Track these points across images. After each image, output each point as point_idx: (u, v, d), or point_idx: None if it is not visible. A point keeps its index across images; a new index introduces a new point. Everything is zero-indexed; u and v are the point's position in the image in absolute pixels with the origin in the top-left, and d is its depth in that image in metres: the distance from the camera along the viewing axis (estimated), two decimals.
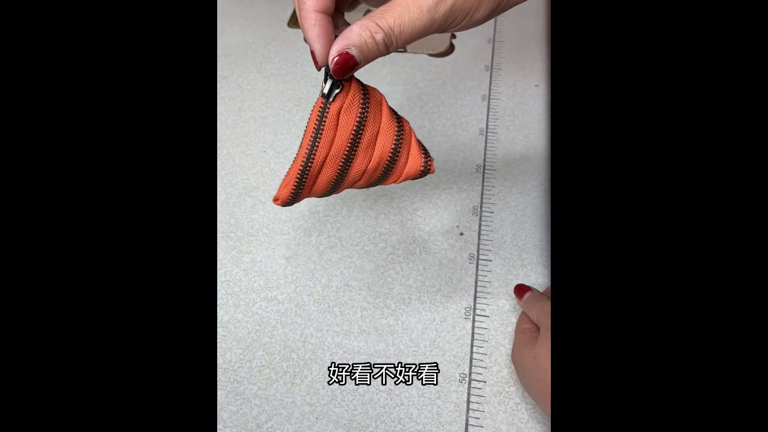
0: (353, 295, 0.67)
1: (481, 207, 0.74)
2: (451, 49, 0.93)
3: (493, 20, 0.99)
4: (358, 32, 0.40)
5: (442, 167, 0.78)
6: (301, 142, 0.44)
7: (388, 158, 0.45)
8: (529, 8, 1.01)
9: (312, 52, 0.42)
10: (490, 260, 0.68)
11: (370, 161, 0.46)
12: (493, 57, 0.93)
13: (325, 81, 0.43)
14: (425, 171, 0.47)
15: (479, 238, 0.71)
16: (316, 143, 0.44)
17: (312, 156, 0.44)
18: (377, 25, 0.40)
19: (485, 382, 0.59)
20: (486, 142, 0.81)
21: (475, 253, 0.69)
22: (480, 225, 0.72)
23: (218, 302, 0.67)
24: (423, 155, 0.47)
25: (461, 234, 0.71)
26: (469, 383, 0.59)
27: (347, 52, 0.41)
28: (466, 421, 0.57)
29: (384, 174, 0.47)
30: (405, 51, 0.93)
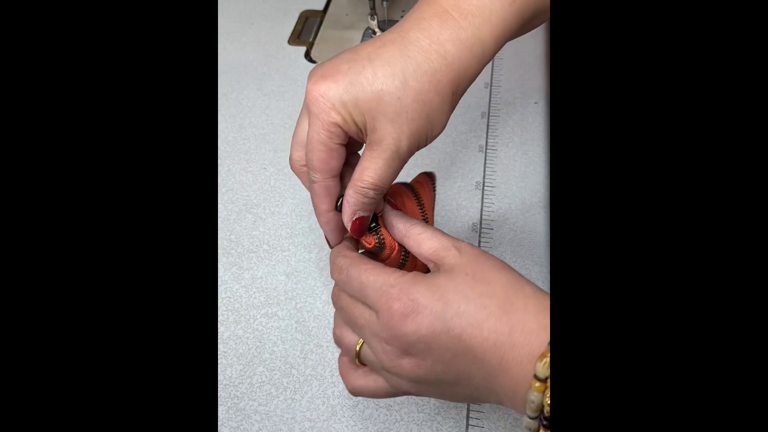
0: None
1: (480, 224, 0.74)
2: None
3: None
4: (353, 198, 0.46)
5: (441, 184, 0.78)
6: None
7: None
8: None
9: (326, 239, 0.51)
10: None
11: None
12: (492, 74, 0.93)
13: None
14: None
15: None
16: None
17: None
18: (363, 187, 0.45)
19: None
20: (485, 159, 0.82)
21: None
22: (479, 242, 0.72)
23: (219, 318, 0.67)
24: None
25: None
26: None
27: (357, 218, 0.47)
28: None
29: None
30: None
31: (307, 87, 0.45)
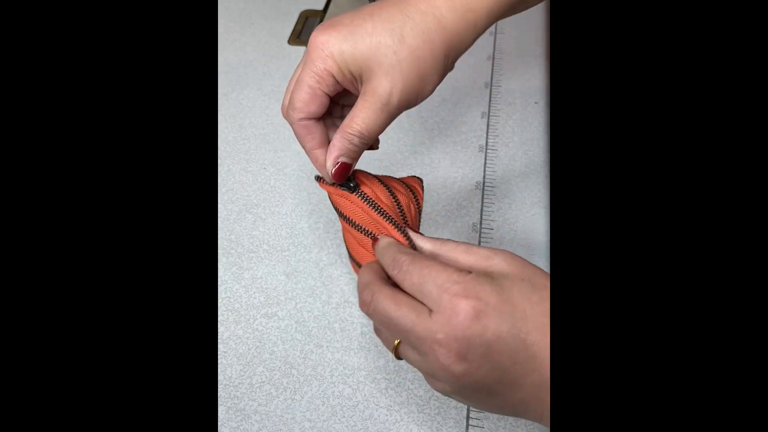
0: (353, 312, 0.67)
1: (480, 224, 0.74)
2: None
3: (492, 37, 1.00)
4: (340, 143, 0.49)
5: (441, 184, 0.78)
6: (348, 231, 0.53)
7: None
8: (528, 25, 1.01)
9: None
10: None
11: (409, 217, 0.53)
12: (492, 74, 0.93)
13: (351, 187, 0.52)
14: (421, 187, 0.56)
15: None
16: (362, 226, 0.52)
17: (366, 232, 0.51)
18: (350, 133, 0.48)
19: None
20: (485, 159, 0.82)
21: None
22: (480, 242, 0.72)
23: (219, 318, 0.67)
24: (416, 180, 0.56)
25: None
26: None
27: (341, 162, 0.50)
28: None
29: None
30: None
31: (310, 37, 0.47)
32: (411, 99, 0.48)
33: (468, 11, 0.47)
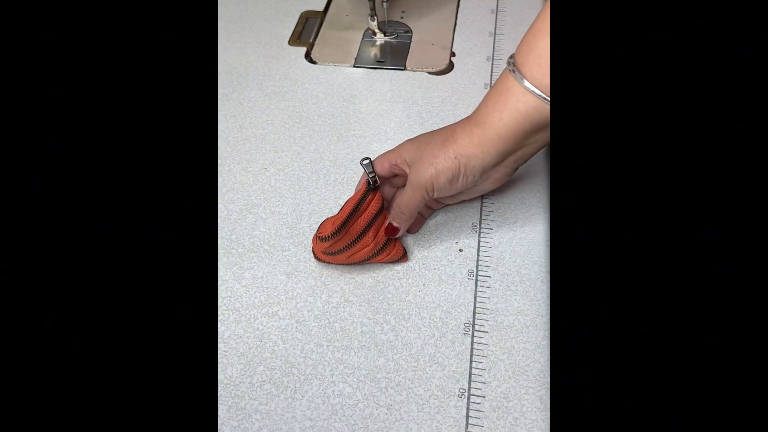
0: (353, 311, 0.67)
1: (480, 223, 0.74)
2: (450, 67, 0.93)
3: (491, 38, 1.00)
4: (392, 212, 0.69)
5: None
6: (345, 206, 0.68)
7: (384, 242, 0.69)
8: (527, 26, 1.01)
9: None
10: (489, 276, 0.69)
11: (376, 236, 0.69)
12: (492, 75, 0.93)
13: (369, 182, 0.68)
14: (400, 259, 0.71)
15: (478, 255, 0.71)
16: (358, 208, 0.68)
17: (355, 212, 0.68)
18: (399, 206, 0.67)
19: (484, 397, 0.59)
20: None
21: (474, 269, 0.70)
22: (479, 241, 0.72)
23: (219, 318, 0.67)
24: (404, 249, 0.71)
25: (460, 250, 0.72)
26: (468, 398, 0.59)
27: (390, 224, 0.69)
28: None
29: (380, 250, 0.69)
30: (405, 69, 0.94)
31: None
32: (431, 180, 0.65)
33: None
